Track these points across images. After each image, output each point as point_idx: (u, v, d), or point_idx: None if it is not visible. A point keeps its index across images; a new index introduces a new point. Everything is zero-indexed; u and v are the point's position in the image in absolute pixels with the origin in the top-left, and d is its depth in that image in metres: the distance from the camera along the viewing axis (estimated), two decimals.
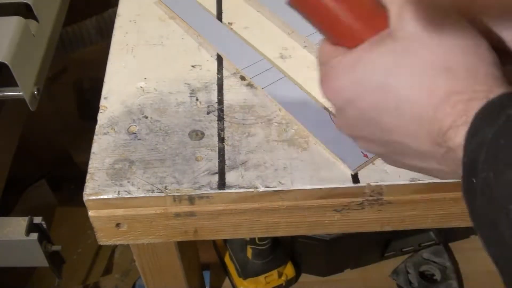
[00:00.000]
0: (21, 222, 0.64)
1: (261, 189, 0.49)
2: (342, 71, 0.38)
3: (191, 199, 0.49)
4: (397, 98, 0.35)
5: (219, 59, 0.60)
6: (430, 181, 0.49)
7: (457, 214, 0.52)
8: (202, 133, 0.53)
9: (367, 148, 0.41)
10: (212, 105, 0.56)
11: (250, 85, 0.57)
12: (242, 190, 0.49)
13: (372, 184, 0.49)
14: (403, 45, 0.35)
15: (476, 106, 0.32)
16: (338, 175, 0.49)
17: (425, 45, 0.35)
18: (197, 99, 0.56)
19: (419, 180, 0.49)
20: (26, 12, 0.67)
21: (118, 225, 0.51)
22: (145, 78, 0.58)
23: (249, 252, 0.93)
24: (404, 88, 0.35)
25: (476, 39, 0.35)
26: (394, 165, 0.41)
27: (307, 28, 0.63)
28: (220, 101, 0.56)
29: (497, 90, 0.33)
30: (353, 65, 0.37)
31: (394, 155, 0.39)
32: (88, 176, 0.50)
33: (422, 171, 0.39)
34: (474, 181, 0.31)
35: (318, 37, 0.61)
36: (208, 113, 0.55)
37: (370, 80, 0.36)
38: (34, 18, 0.67)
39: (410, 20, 0.35)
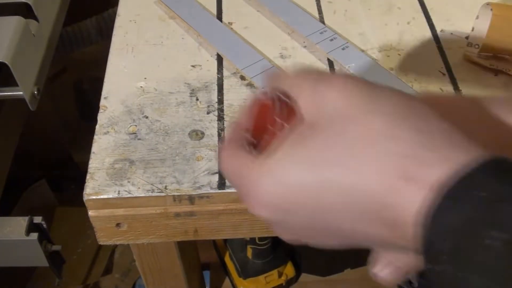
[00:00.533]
0: (21, 222, 0.64)
1: None
2: (266, 177, 0.30)
3: (191, 199, 0.49)
4: (340, 192, 0.28)
5: (219, 59, 0.60)
6: None
7: None
8: (202, 133, 0.53)
9: (322, 245, 0.33)
10: (212, 105, 0.56)
11: (250, 85, 0.57)
12: None
13: None
14: (327, 127, 0.29)
15: (436, 176, 0.25)
16: None
17: (355, 119, 0.28)
18: (197, 99, 0.56)
19: None
20: (26, 12, 0.67)
21: (118, 225, 0.51)
22: (145, 78, 0.58)
23: (249, 252, 0.93)
24: (345, 176, 0.28)
25: (412, 98, 0.29)
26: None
27: (307, 28, 0.63)
28: (220, 101, 0.56)
29: (460, 157, 0.25)
30: (275, 167, 0.30)
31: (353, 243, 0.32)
32: (88, 176, 0.50)
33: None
34: (434, 268, 0.26)
35: (318, 37, 0.62)
36: (208, 113, 0.55)
37: (302, 181, 0.29)
38: (34, 18, 0.67)
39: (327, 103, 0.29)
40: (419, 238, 0.26)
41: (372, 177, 0.27)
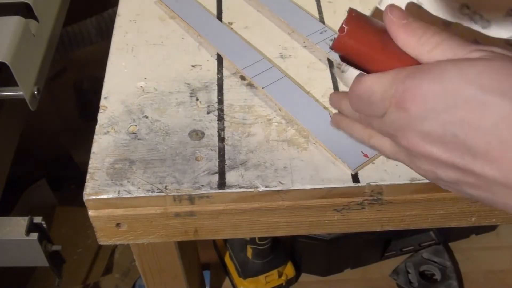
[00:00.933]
0: (21, 222, 0.64)
1: (261, 189, 0.49)
2: (427, 79, 0.33)
3: (191, 199, 0.49)
4: (497, 115, 0.30)
5: (219, 59, 0.60)
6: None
7: (457, 214, 0.52)
8: (202, 133, 0.53)
9: (433, 171, 0.35)
10: (212, 105, 0.56)
11: (250, 85, 0.57)
12: (242, 190, 0.49)
13: (372, 184, 0.49)
14: (487, 65, 0.31)
15: None
16: (338, 175, 0.49)
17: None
18: (197, 99, 0.56)
19: (419, 180, 0.49)
20: (26, 12, 0.67)
21: (118, 225, 0.51)
22: (145, 78, 0.58)
23: (249, 252, 0.93)
24: (505, 106, 0.30)
25: None
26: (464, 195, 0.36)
27: (307, 28, 0.63)
28: (220, 101, 0.56)
29: None
30: (441, 73, 0.32)
31: (470, 188, 0.34)
32: (88, 176, 0.50)
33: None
34: None
35: (317, 37, 0.61)
36: (208, 113, 0.55)
37: (462, 92, 0.31)
38: (34, 18, 0.67)
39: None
40: None
41: None
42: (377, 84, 0.37)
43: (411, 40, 0.37)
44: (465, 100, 0.31)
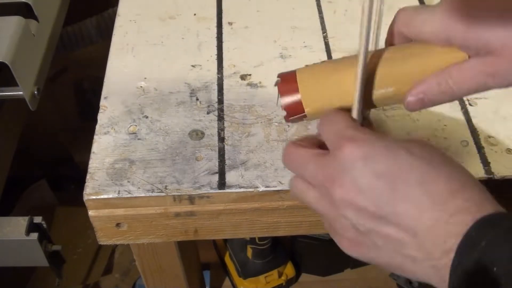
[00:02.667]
0: (21, 222, 0.64)
1: (261, 188, 0.49)
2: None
3: (191, 199, 0.49)
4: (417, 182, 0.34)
5: (219, 59, 0.60)
6: None
7: None
8: (202, 133, 0.53)
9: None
10: (212, 105, 0.56)
11: (250, 84, 0.57)
12: (242, 189, 0.49)
13: None
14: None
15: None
16: None
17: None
18: (197, 99, 0.56)
19: None
20: (26, 12, 0.67)
21: (118, 224, 0.51)
22: (145, 78, 0.58)
23: (249, 252, 0.93)
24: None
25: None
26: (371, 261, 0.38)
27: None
28: (220, 101, 0.56)
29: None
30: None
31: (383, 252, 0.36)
32: (88, 176, 0.50)
33: (398, 270, 0.37)
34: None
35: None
36: (208, 113, 0.55)
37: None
38: (34, 18, 0.67)
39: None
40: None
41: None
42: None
43: None
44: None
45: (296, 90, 0.43)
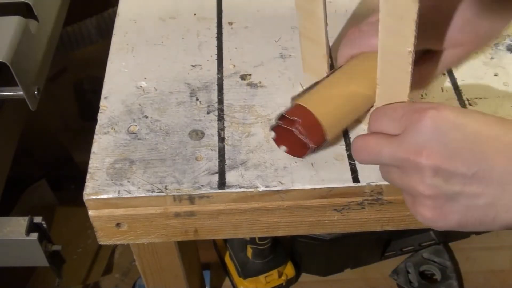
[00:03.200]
0: (21, 222, 0.64)
1: (261, 188, 0.49)
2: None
3: (191, 199, 0.49)
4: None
5: (219, 59, 0.60)
6: None
7: None
8: (202, 133, 0.53)
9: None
10: (212, 105, 0.56)
11: (250, 84, 0.57)
12: (242, 189, 0.49)
13: (372, 183, 0.49)
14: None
15: None
16: (338, 175, 0.49)
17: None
18: (197, 99, 0.56)
19: None
20: (26, 12, 0.67)
21: (118, 224, 0.51)
22: (145, 78, 0.58)
23: (249, 252, 0.93)
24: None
25: None
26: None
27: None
28: (220, 101, 0.56)
29: None
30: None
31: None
32: (88, 176, 0.50)
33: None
34: None
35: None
36: (208, 112, 0.55)
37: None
38: (34, 18, 0.67)
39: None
40: None
41: None
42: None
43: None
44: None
45: (317, 125, 0.45)
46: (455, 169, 0.37)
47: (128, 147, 0.52)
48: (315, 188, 0.49)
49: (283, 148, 0.48)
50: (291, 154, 0.49)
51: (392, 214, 0.51)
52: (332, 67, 0.53)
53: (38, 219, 0.65)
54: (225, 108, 0.55)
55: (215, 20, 0.65)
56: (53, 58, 0.73)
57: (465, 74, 0.58)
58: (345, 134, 0.53)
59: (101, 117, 0.55)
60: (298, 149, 0.47)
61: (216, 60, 0.60)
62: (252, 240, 0.90)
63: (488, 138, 0.36)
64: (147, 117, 0.55)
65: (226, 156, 0.51)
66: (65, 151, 1.24)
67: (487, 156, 0.36)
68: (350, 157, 0.51)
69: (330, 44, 0.56)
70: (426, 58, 0.51)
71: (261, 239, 0.89)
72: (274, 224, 0.52)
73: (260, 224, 0.52)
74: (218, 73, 0.59)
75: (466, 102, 0.56)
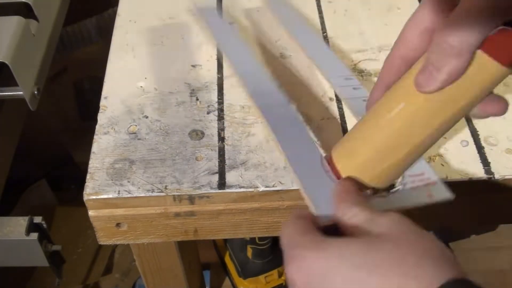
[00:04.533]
0: (21, 222, 0.64)
1: (261, 188, 0.49)
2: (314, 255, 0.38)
3: (191, 199, 0.49)
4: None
5: (219, 59, 0.60)
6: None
7: (457, 214, 0.52)
8: (202, 133, 0.53)
9: None
10: (212, 105, 0.56)
11: None
12: (242, 189, 0.49)
13: None
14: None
15: None
16: None
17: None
18: (197, 99, 0.56)
19: None
20: (26, 12, 0.67)
21: (118, 224, 0.51)
22: (145, 78, 0.58)
23: (249, 252, 0.93)
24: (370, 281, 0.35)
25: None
26: None
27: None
28: (220, 101, 0.56)
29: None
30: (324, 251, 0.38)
31: None
32: (88, 176, 0.50)
33: None
34: None
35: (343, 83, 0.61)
36: (208, 113, 0.55)
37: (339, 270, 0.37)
38: (34, 18, 0.67)
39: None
40: None
41: None
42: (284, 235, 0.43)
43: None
44: (342, 277, 0.36)
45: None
46: None
47: (128, 147, 0.52)
48: None
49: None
50: None
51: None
52: None
53: (38, 219, 0.65)
54: (225, 108, 0.55)
55: None
56: (53, 58, 0.72)
57: None
58: None
59: (101, 117, 0.55)
60: None
61: (216, 60, 0.60)
62: (252, 240, 0.90)
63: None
64: (147, 117, 0.55)
65: (226, 156, 0.51)
66: (65, 151, 1.24)
67: None
68: None
69: None
70: None
71: (261, 239, 0.89)
72: (274, 224, 0.52)
73: (260, 224, 0.52)
74: (218, 73, 0.59)
75: None
